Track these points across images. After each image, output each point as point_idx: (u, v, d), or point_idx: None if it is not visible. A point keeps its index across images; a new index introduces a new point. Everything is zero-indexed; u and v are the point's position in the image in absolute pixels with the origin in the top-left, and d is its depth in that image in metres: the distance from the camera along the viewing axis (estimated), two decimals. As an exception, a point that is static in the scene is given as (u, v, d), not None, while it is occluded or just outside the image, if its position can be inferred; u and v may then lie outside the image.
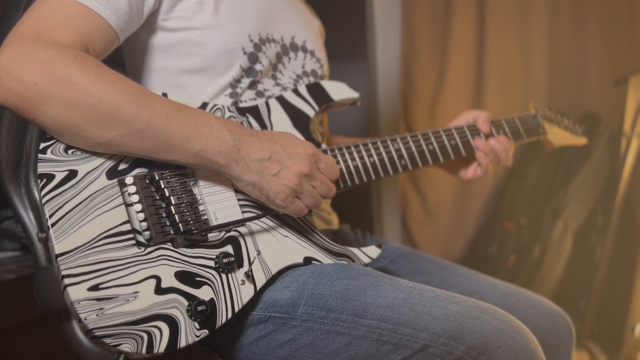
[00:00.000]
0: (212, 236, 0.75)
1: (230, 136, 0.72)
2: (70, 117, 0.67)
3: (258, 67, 0.90)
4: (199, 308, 0.68)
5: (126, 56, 0.92)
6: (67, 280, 0.64)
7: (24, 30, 0.69)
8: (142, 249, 0.69)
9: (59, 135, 0.70)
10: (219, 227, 0.75)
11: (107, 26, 0.75)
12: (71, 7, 0.72)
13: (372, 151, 0.92)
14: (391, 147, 0.94)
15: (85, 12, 0.73)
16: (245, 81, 0.89)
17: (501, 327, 0.70)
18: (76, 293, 0.63)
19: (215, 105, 0.84)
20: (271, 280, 0.78)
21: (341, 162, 0.89)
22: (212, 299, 0.70)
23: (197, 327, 0.68)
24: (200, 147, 0.70)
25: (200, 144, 0.70)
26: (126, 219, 0.70)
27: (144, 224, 0.70)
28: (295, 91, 0.93)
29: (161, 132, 0.69)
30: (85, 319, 0.62)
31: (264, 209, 0.80)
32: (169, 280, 0.69)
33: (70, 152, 0.71)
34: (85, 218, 0.67)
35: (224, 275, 0.73)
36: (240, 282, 0.74)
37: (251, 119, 0.86)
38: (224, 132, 0.72)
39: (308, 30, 1.01)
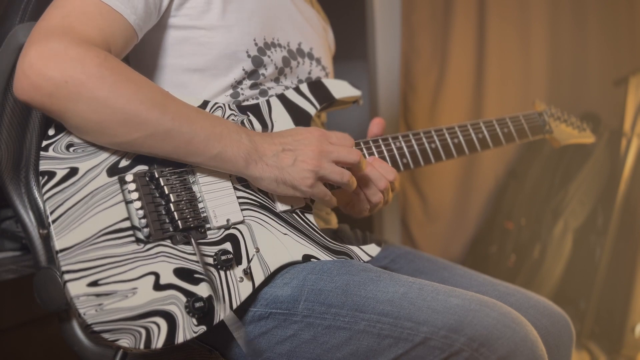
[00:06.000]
0: (211, 233, 0.75)
1: (247, 138, 0.75)
2: (98, 116, 0.68)
3: (262, 70, 0.90)
4: (197, 304, 0.68)
5: (131, 52, 0.92)
6: (67, 276, 0.64)
7: (49, 27, 0.69)
8: (141, 245, 0.69)
9: (82, 133, 0.71)
10: (220, 228, 0.76)
11: (127, 25, 0.76)
12: (95, 5, 0.73)
13: (373, 149, 0.92)
14: (392, 145, 0.94)
15: (108, 11, 0.73)
16: (247, 83, 0.89)
17: (501, 319, 0.70)
18: (76, 289, 0.64)
19: (216, 103, 0.84)
20: (269, 278, 0.78)
21: None
22: (210, 296, 0.71)
23: (195, 323, 0.69)
24: (220, 149, 0.73)
25: (220, 145, 0.73)
26: (126, 215, 0.70)
27: (143, 221, 0.70)
28: (297, 89, 0.93)
29: (184, 132, 0.71)
30: (84, 314, 0.63)
31: (263, 207, 0.81)
32: (168, 277, 0.69)
33: (71, 149, 0.71)
34: (85, 215, 0.68)
35: (222, 272, 0.73)
36: (238, 279, 0.74)
37: (252, 117, 0.86)
38: (240, 134, 0.75)
39: (316, 38, 1.02)
